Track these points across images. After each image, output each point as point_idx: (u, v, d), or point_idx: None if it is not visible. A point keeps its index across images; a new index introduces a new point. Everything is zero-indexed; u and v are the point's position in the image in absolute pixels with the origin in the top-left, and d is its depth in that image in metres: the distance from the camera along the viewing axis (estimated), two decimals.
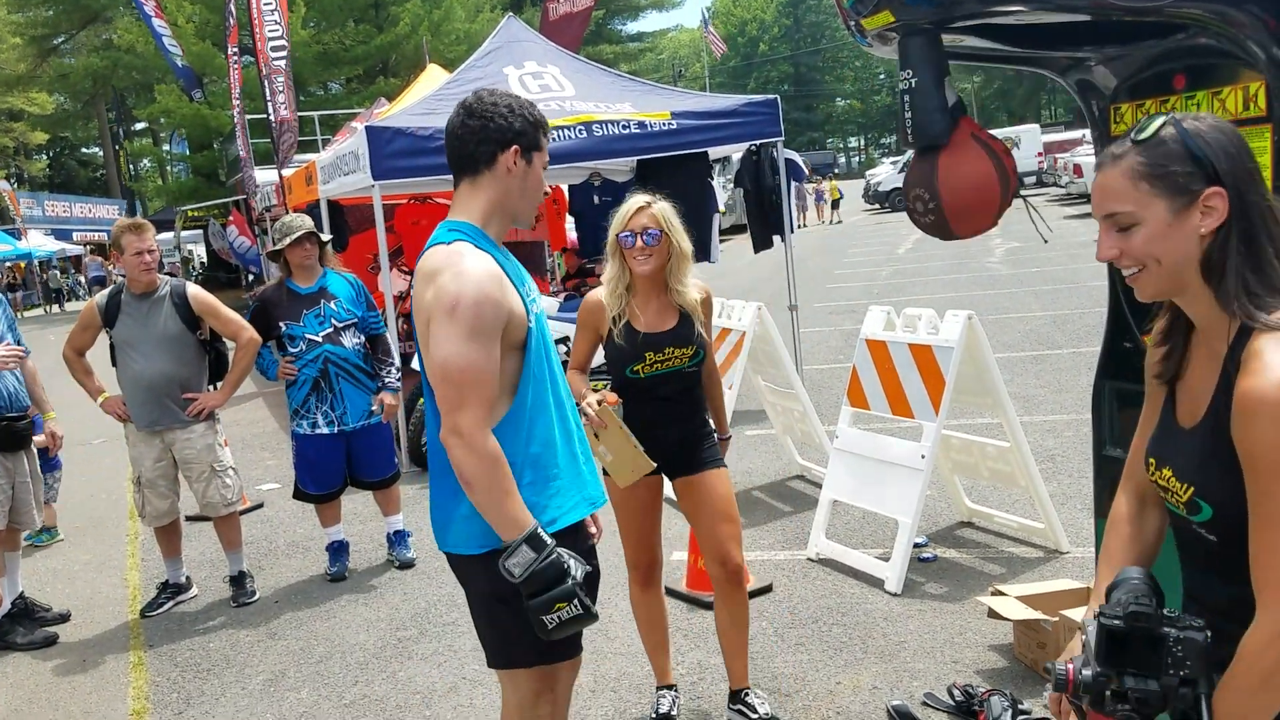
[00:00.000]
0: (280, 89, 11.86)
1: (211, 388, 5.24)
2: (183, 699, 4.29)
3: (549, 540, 2.25)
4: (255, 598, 5.35)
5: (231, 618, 5.15)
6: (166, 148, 49.08)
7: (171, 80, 29.62)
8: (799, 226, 28.17)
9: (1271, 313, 1.54)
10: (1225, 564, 1.62)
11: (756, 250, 9.64)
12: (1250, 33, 2.30)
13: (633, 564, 3.60)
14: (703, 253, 9.58)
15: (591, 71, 9.09)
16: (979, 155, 2.78)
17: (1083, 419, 6.82)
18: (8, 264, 33.75)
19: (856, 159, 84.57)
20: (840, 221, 33.30)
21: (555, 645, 2.41)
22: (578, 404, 3.32)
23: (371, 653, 4.53)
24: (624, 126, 7.97)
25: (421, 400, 7.45)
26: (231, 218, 21.01)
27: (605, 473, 3.43)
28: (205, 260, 30.07)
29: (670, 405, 3.44)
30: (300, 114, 13.41)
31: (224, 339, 5.29)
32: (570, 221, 11.08)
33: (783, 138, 8.90)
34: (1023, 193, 2.95)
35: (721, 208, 10.27)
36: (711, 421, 3.60)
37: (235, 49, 16.85)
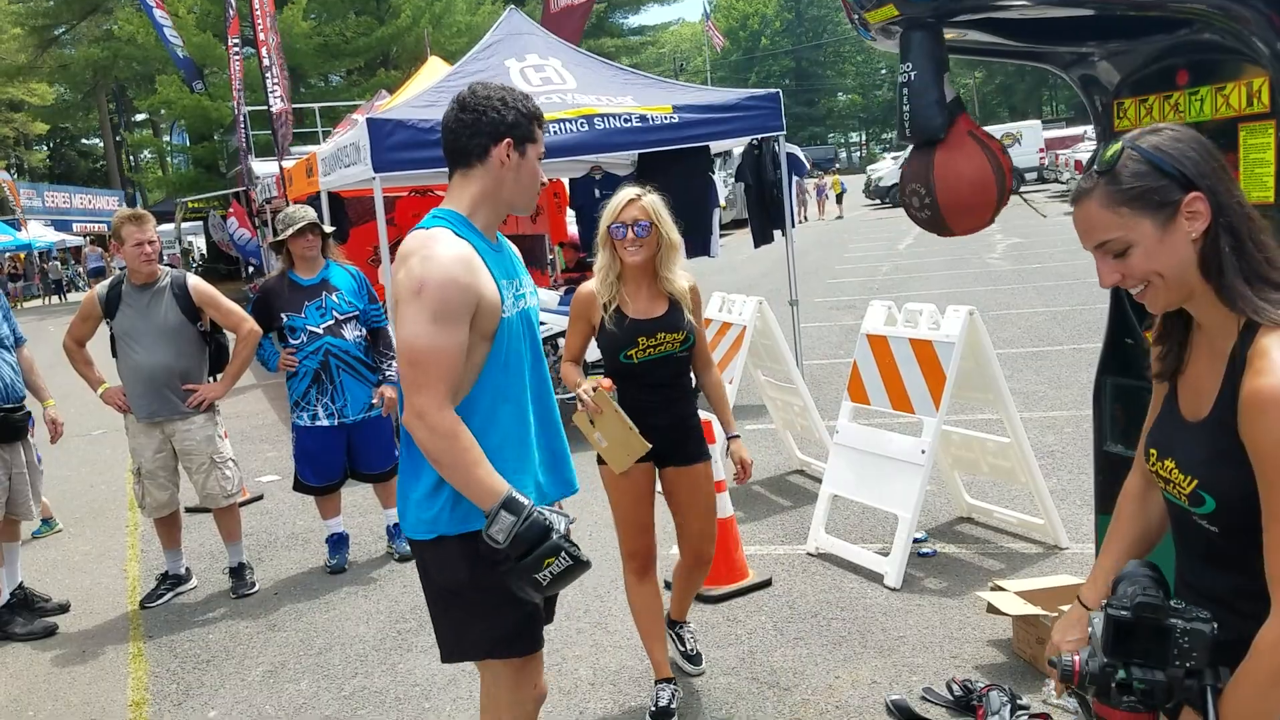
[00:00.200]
0: (278, 79, 11.86)
1: (212, 379, 5.24)
2: (182, 690, 4.30)
3: (525, 501, 2.26)
4: (255, 589, 5.35)
5: (231, 609, 5.16)
6: (167, 139, 49.04)
7: (172, 71, 29.61)
8: (800, 221, 28.15)
9: (1277, 308, 1.56)
10: (1225, 555, 1.64)
11: (757, 245, 9.63)
12: (1254, 28, 2.29)
13: (629, 554, 3.64)
14: (703, 247, 9.59)
15: (593, 64, 9.07)
16: (976, 152, 2.78)
17: (1082, 415, 6.83)
18: (8, 255, 33.71)
19: (858, 154, 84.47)
20: (842, 216, 33.28)
21: (510, 640, 2.42)
22: (573, 392, 3.42)
23: (371, 645, 4.54)
24: (625, 120, 7.95)
25: None
26: (231, 210, 20.99)
27: (601, 461, 3.51)
28: (205, 252, 30.04)
29: (662, 391, 3.55)
30: (301, 105, 13.40)
31: (224, 331, 5.29)
32: (571, 215, 11.07)
33: (784, 132, 8.88)
34: (1020, 190, 2.96)
35: (722, 202, 10.25)
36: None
37: (236, 40, 16.84)
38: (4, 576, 5.10)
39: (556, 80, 8.37)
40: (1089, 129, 35.11)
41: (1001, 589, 4.03)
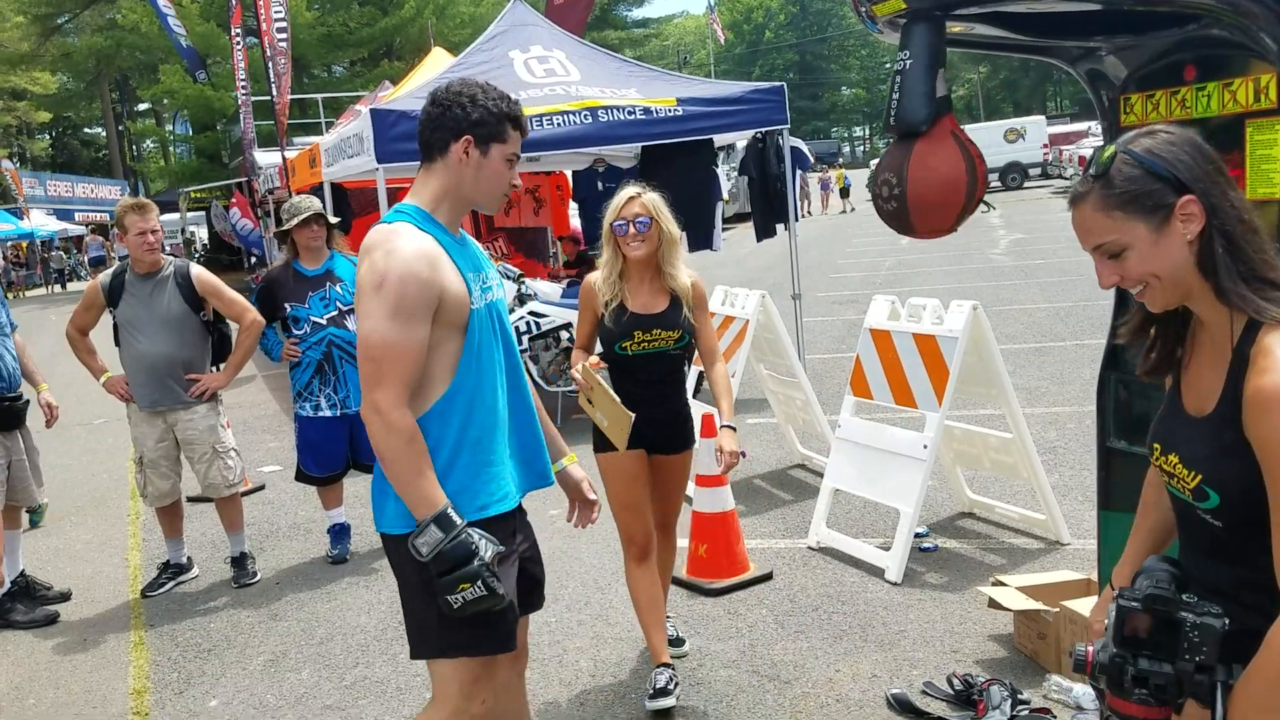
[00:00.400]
0: (283, 71, 11.85)
1: (214, 369, 5.25)
2: (183, 679, 4.31)
3: (459, 521, 2.26)
4: (256, 579, 5.36)
5: (233, 599, 5.17)
6: (169, 128, 49.00)
7: (175, 61, 29.56)
8: (803, 216, 28.15)
9: (1278, 306, 1.58)
10: (1229, 549, 1.66)
11: (759, 239, 9.62)
12: (1262, 24, 2.29)
13: (628, 539, 3.73)
14: (705, 241, 9.58)
15: (597, 57, 9.06)
16: (954, 151, 2.78)
17: (1085, 411, 6.83)
18: (10, 243, 33.72)
19: (861, 148, 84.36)
20: (854, 209, 33.17)
21: (484, 638, 2.38)
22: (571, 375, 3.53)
23: (372, 635, 4.55)
24: (629, 112, 7.95)
25: None
26: (234, 200, 21.00)
27: (598, 449, 3.68)
28: (207, 242, 30.05)
29: (654, 385, 3.69)
30: (304, 96, 13.37)
31: (227, 321, 5.29)
32: (574, 208, 11.05)
33: (788, 125, 8.87)
34: (1000, 190, 2.95)
35: (725, 195, 10.24)
36: (717, 400, 3.73)
37: (239, 30, 16.82)
38: (5, 564, 5.11)
39: (560, 72, 8.36)
40: (1093, 125, 35.02)
41: (1003, 584, 4.03)
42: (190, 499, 6.02)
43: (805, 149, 10.42)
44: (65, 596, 5.30)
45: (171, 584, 5.35)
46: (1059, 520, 4.87)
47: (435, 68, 10.05)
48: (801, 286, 9.27)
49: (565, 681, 3.96)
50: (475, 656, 2.42)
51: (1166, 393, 1.79)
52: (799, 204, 30.83)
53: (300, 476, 5.59)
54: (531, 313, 7.74)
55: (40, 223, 33.69)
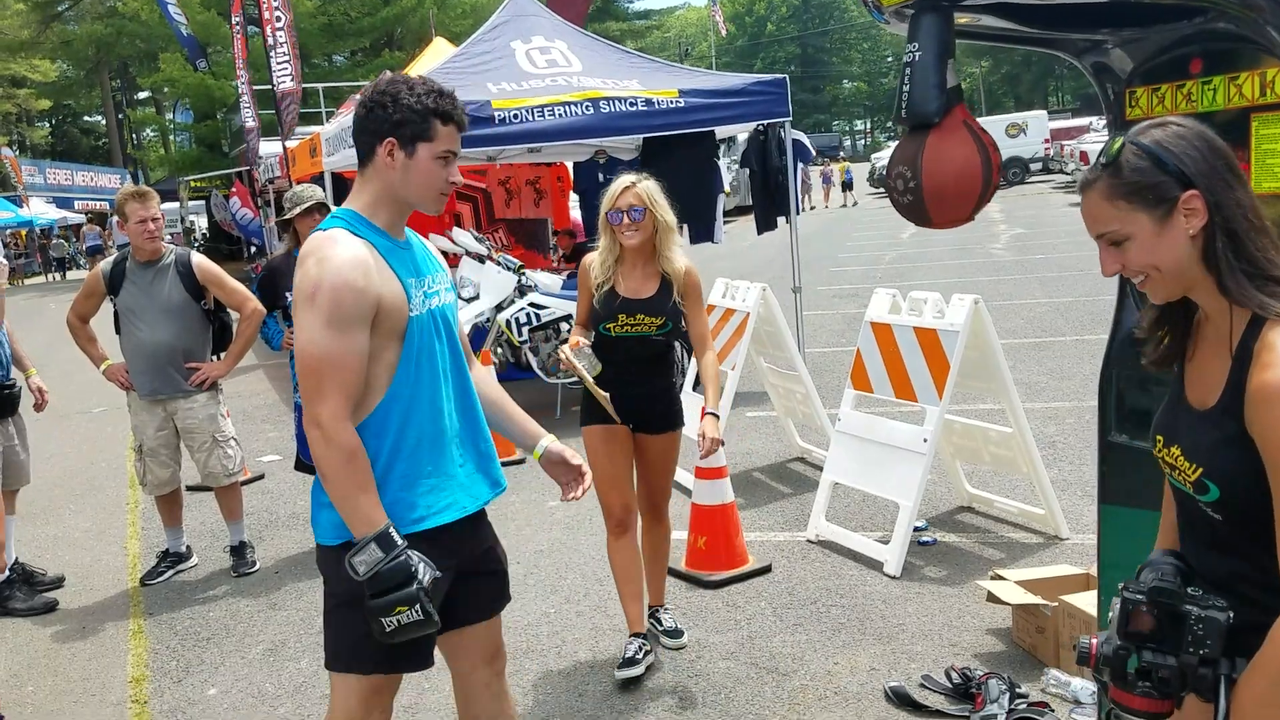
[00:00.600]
0: (286, 58, 11.80)
1: (215, 358, 5.24)
2: (182, 667, 4.31)
3: (400, 541, 2.19)
4: (255, 568, 5.36)
5: (232, 587, 5.17)
6: (170, 117, 48.90)
7: (176, 49, 29.49)
8: (805, 209, 28.09)
9: None
10: (1227, 541, 1.66)
11: (760, 231, 9.61)
12: (1269, 17, 2.28)
13: (607, 511, 3.88)
14: (706, 233, 9.56)
15: (599, 47, 9.04)
16: (967, 141, 2.77)
17: (1084, 406, 6.83)
18: (9, 231, 33.68)
19: (862, 142, 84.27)
20: (856, 203, 33.13)
21: (402, 655, 2.33)
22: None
23: None
24: (631, 104, 7.92)
25: None
26: (234, 189, 20.97)
27: (583, 422, 3.86)
28: (207, 231, 30.01)
29: (635, 366, 3.80)
30: (305, 85, 13.34)
31: (228, 310, 5.28)
32: (575, 199, 11.04)
33: (790, 118, 8.85)
34: (1002, 186, 2.94)
35: (726, 188, 10.22)
36: (705, 388, 3.79)
37: (239, 18, 16.77)
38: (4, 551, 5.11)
39: (562, 63, 8.34)
40: (1094, 120, 35.01)
41: (1001, 578, 4.03)
42: (189, 488, 6.02)
43: (807, 142, 10.39)
44: (59, 582, 5.30)
45: (170, 572, 5.35)
46: (1058, 515, 4.88)
47: (437, 58, 10.03)
48: (802, 280, 9.26)
49: (564, 673, 3.97)
50: (388, 674, 2.39)
51: (1170, 386, 1.79)
52: (800, 198, 30.84)
53: (300, 466, 5.59)
54: (532, 304, 7.73)
55: (39, 211, 33.63)
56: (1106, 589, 2.85)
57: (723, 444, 3.96)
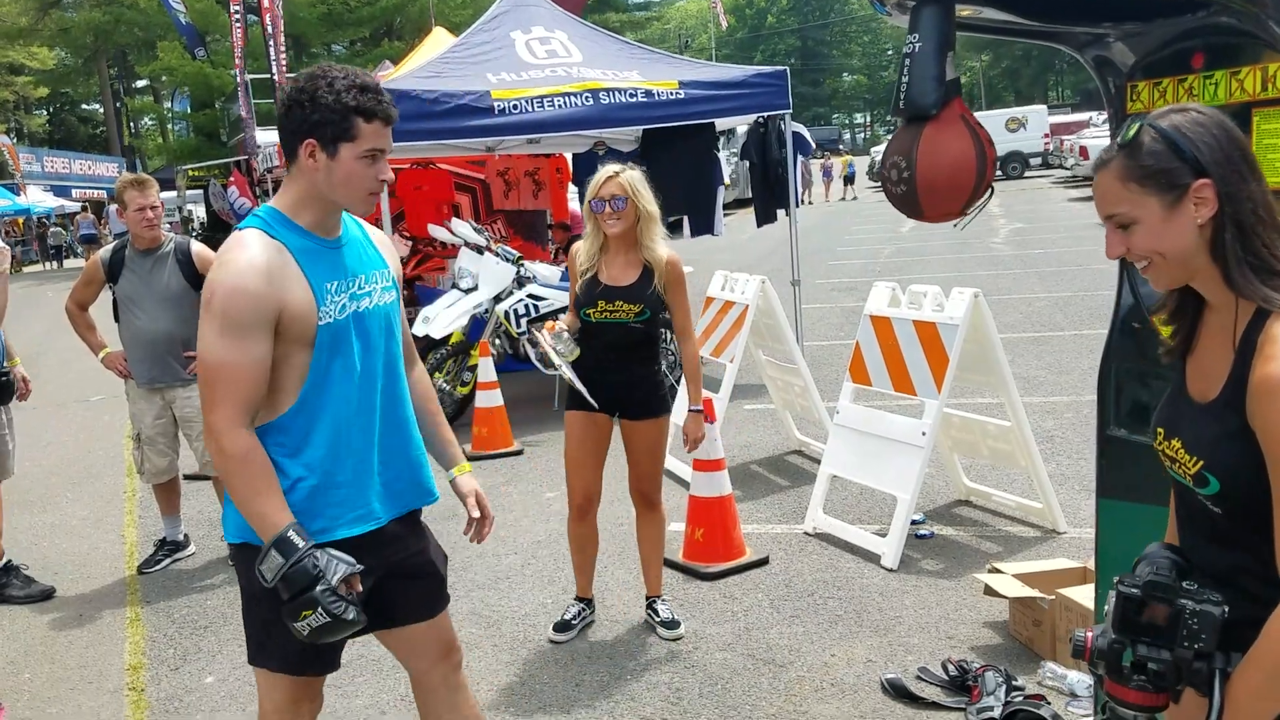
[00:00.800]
0: (282, 50, 11.77)
1: None
2: (179, 655, 4.31)
3: (301, 543, 2.13)
4: None
5: (229, 576, 5.16)
6: (168, 106, 48.82)
7: (174, 37, 29.44)
8: (804, 203, 28.06)
9: None
10: (1228, 535, 1.66)
11: (760, 224, 9.60)
12: (1272, 12, 2.27)
13: (570, 494, 4.07)
14: (706, 225, 9.54)
15: (599, 38, 9.01)
16: (963, 135, 2.77)
17: (1083, 400, 6.84)
18: (6, 219, 33.62)
19: (862, 136, 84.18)
20: (855, 198, 33.11)
21: (306, 658, 2.31)
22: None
23: None
24: (631, 95, 7.91)
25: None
26: (232, 178, 20.92)
27: (569, 406, 3.99)
28: (205, 221, 29.96)
29: (614, 352, 3.89)
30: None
31: None
32: (574, 191, 11.01)
33: (790, 110, 8.83)
34: (1000, 179, 2.94)
35: (726, 180, 10.21)
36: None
37: (238, 7, 16.73)
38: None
39: (562, 54, 8.32)
40: (1094, 115, 34.97)
41: (999, 571, 4.04)
42: (187, 476, 6.01)
43: (807, 134, 10.37)
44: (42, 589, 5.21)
45: (168, 561, 5.35)
46: (1056, 509, 4.88)
47: (436, 48, 9.99)
48: (801, 273, 9.26)
49: (560, 662, 3.97)
50: (295, 676, 2.38)
51: (1172, 379, 1.79)
52: (801, 191, 30.84)
53: None
54: (530, 295, 7.72)
55: (37, 199, 33.56)
56: (1104, 583, 2.85)
57: (703, 439, 4.09)
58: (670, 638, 4.07)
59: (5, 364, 4.99)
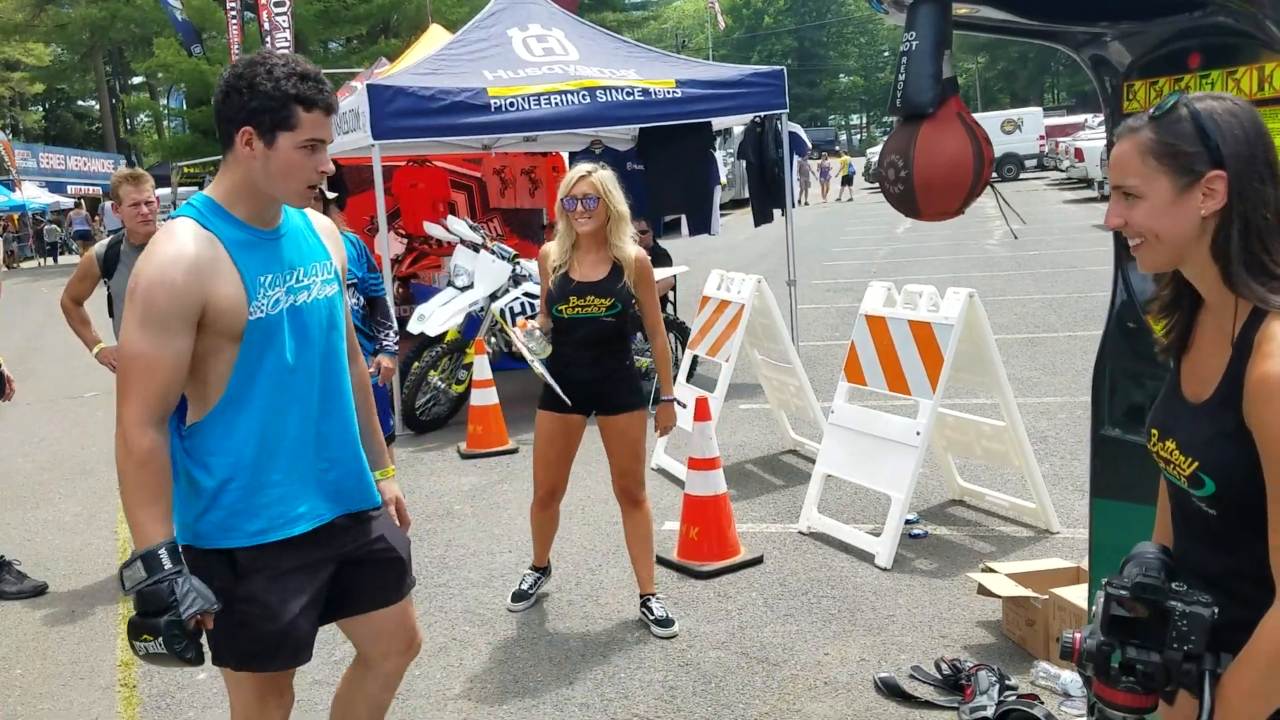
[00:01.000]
0: (281, 45, 11.74)
1: None
2: None
3: (167, 565, 2.05)
4: None
5: None
6: (164, 102, 48.70)
7: (170, 34, 29.39)
8: (800, 203, 28.08)
9: None
10: (1222, 537, 1.64)
11: (757, 224, 9.60)
12: (1269, 12, 2.28)
13: (536, 483, 4.22)
14: (703, 225, 9.54)
15: (597, 36, 9.01)
16: (960, 134, 2.77)
17: (1076, 401, 6.85)
18: (2, 215, 33.53)
19: (858, 137, 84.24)
20: (852, 199, 33.12)
21: (267, 653, 2.28)
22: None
23: None
24: (628, 93, 7.90)
25: (417, 364, 7.45)
26: None
27: (543, 405, 4.09)
28: None
29: (587, 347, 3.98)
30: None
31: None
32: None
33: (787, 110, 8.84)
34: (996, 182, 2.94)
35: (723, 180, 10.21)
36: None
37: (235, 5, 16.70)
38: None
39: (559, 51, 8.31)
40: (1089, 117, 35.01)
41: (992, 571, 4.04)
42: None
43: (803, 134, 10.36)
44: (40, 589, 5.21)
45: None
46: (1049, 509, 4.89)
47: (433, 45, 9.98)
48: (797, 273, 9.26)
49: (555, 660, 3.97)
50: (255, 672, 2.34)
51: (1166, 379, 1.78)
52: (801, 191, 30.84)
53: None
54: (526, 294, 7.72)
55: (32, 195, 33.47)
56: (1097, 583, 2.85)
57: (673, 427, 4.20)
58: (664, 635, 4.07)
59: None
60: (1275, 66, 2.35)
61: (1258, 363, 1.52)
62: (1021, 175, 34.30)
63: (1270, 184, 1.58)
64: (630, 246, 3.96)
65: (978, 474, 5.64)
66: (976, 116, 2.87)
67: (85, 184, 37.18)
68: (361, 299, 5.40)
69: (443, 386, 7.61)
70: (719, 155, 9.67)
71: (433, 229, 8.43)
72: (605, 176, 3.89)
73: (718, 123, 9.34)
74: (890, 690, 3.54)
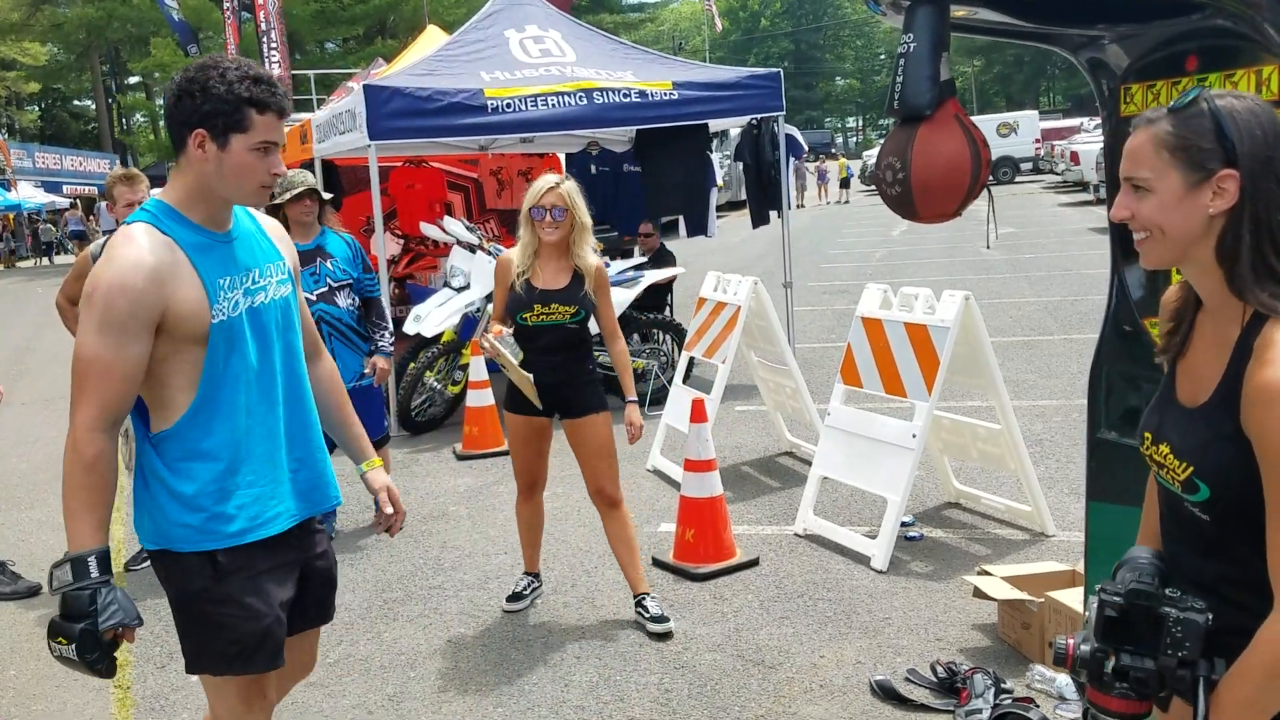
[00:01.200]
0: (275, 44, 11.74)
1: None
2: (165, 653, 4.28)
3: (94, 573, 2.07)
4: None
5: None
6: (160, 102, 48.58)
7: (167, 34, 29.35)
8: (796, 205, 28.08)
9: None
10: (1215, 543, 1.63)
11: (755, 225, 9.60)
12: (1267, 15, 2.28)
13: (517, 479, 4.34)
14: (700, 226, 9.54)
15: (594, 38, 9.00)
16: (958, 136, 2.77)
17: (1072, 404, 6.86)
18: None
19: (854, 139, 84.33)
20: (848, 201, 33.15)
21: (246, 653, 2.29)
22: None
23: (357, 613, 4.53)
24: (625, 95, 7.90)
25: (413, 365, 7.44)
26: None
27: (510, 409, 4.17)
28: None
29: (551, 354, 4.06)
30: (296, 72, 13.27)
31: None
32: None
33: (784, 112, 8.84)
34: (992, 186, 2.94)
35: (720, 182, 10.22)
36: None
37: (231, 5, 16.68)
38: None
39: (556, 53, 8.31)
40: (1085, 120, 35.07)
41: (988, 574, 4.04)
42: None
43: (799, 136, 10.38)
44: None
45: None
46: (1045, 512, 4.89)
47: (430, 45, 9.97)
48: (793, 275, 9.26)
49: (550, 663, 3.96)
50: (233, 676, 2.34)
51: (1161, 382, 1.76)
52: (797, 193, 30.84)
53: None
54: None
55: (28, 195, 33.41)
56: (1093, 586, 2.86)
57: (641, 425, 4.17)
58: (660, 631, 4.07)
59: None
60: (1273, 69, 2.35)
61: (1257, 369, 1.50)
62: (1017, 178, 34.37)
63: None
64: (590, 256, 4.07)
65: (973, 477, 5.64)
66: (972, 119, 2.87)
67: (81, 184, 37.11)
68: (357, 299, 5.40)
69: (438, 387, 7.60)
70: (715, 157, 9.67)
71: (429, 230, 8.42)
72: (571, 188, 3.99)
73: (714, 125, 9.35)
74: (886, 693, 3.53)
